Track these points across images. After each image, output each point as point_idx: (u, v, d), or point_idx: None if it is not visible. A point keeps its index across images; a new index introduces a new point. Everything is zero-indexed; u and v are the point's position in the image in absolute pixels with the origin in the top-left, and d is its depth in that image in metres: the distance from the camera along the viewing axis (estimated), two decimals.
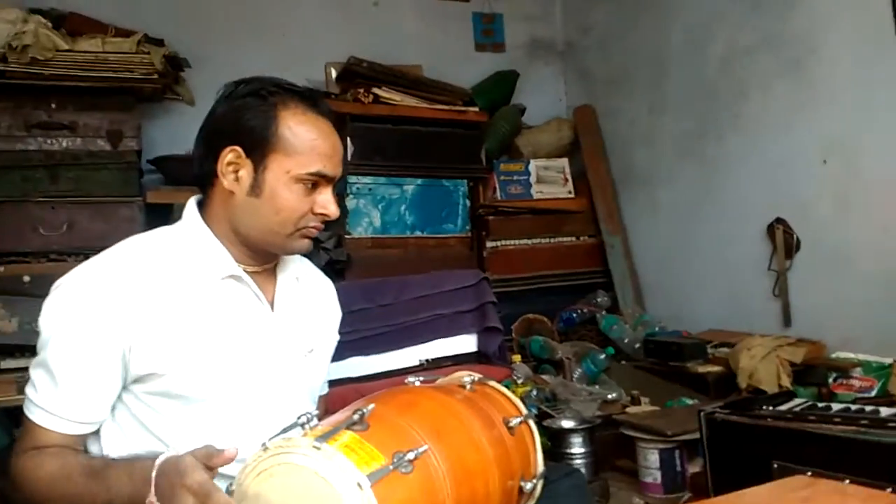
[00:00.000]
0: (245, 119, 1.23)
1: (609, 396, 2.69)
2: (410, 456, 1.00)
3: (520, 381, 2.66)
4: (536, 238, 3.70)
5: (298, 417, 1.02)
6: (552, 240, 3.74)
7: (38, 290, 2.59)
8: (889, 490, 1.27)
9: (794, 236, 3.03)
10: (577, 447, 2.23)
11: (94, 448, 1.22)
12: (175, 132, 3.27)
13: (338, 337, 1.50)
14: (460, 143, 3.59)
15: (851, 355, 2.69)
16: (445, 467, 1.07)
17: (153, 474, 1.03)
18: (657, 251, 3.74)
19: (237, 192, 1.25)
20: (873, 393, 2.56)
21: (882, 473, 1.34)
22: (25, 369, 2.44)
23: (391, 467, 0.97)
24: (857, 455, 1.39)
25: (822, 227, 2.94)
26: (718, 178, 3.38)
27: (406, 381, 1.33)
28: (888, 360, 2.61)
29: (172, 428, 1.19)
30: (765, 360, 2.70)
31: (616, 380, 3.02)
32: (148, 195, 2.94)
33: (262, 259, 1.32)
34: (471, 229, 3.59)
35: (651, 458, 2.20)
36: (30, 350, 2.51)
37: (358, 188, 3.33)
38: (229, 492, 0.98)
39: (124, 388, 1.20)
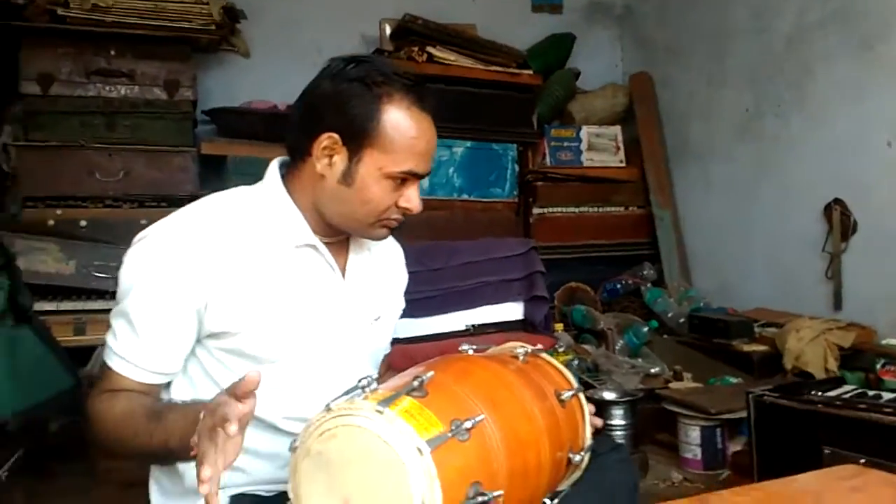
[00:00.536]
0: (349, 106, 1.21)
1: (652, 370, 2.68)
2: (468, 424, 1.01)
3: (561, 350, 2.65)
4: (584, 206, 3.67)
5: (360, 381, 1.03)
6: (600, 209, 3.71)
7: (95, 235, 2.69)
8: None
9: (852, 218, 2.95)
10: (617, 419, 2.23)
11: (164, 398, 1.25)
12: (230, 84, 3.30)
13: (403, 303, 1.52)
14: (512, 106, 3.56)
15: None
16: (500, 436, 1.07)
17: (201, 415, 1.06)
18: (707, 226, 3.68)
19: (328, 176, 1.24)
20: None
21: None
22: (83, 312, 2.55)
23: (449, 434, 0.98)
24: None
25: (881, 211, 2.86)
26: (777, 156, 3.30)
27: (460, 348, 1.33)
28: None
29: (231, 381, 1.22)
30: (812, 343, 2.66)
31: (658, 354, 3.01)
32: (202, 146, 2.98)
33: (338, 232, 1.34)
34: (518, 195, 3.57)
35: (692, 434, 2.20)
36: (86, 293, 2.59)
37: None
38: (292, 448, 1.00)
39: (198, 341, 1.23)
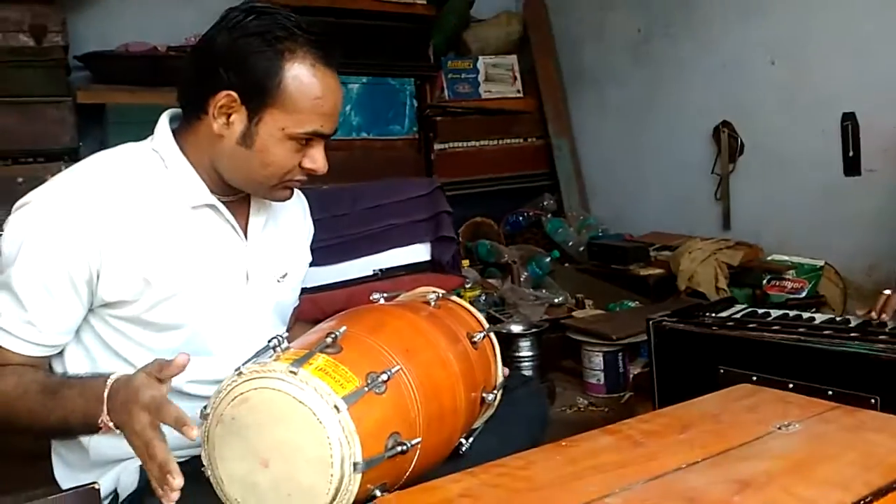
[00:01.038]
0: (248, 63, 1.13)
1: (555, 300, 2.76)
2: (384, 377, 1.01)
3: (468, 286, 2.71)
4: (484, 140, 3.67)
5: (269, 341, 1.02)
6: (500, 142, 3.72)
7: None
8: (830, 392, 1.38)
9: (739, 139, 3.08)
10: (525, 351, 2.30)
11: (58, 369, 1.19)
12: (104, 27, 3.08)
13: (310, 256, 1.48)
14: (407, 39, 3.48)
15: (786, 258, 2.81)
16: (415, 385, 1.08)
17: (105, 393, 1.02)
18: (603, 153, 3.77)
19: (226, 137, 1.17)
20: (803, 294, 2.71)
21: (820, 377, 1.42)
22: None
23: (366, 389, 0.98)
24: (797, 360, 1.47)
25: (766, 131, 3.00)
26: (668, 78, 3.38)
27: (371, 297, 1.33)
28: (820, 263, 2.74)
29: (140, 352, 1.17)
30: (704, 264, 2.80)
31: (560, 283, 3.10)
32: (78, 95, 2.79)
33: (238, 190, 1.28)
34: (418, 130, 3.53)
35: (595, 360, 2.29)
36: None
37: None
38: (203, 415, 0.98)
39: (92, 311, 1.17)
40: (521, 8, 4.08)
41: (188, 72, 1.20)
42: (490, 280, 3.00)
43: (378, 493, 0.97)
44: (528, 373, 2.21)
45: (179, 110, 1.25)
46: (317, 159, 1.21)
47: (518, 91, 3.81)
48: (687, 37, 3.28)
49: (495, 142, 3.71)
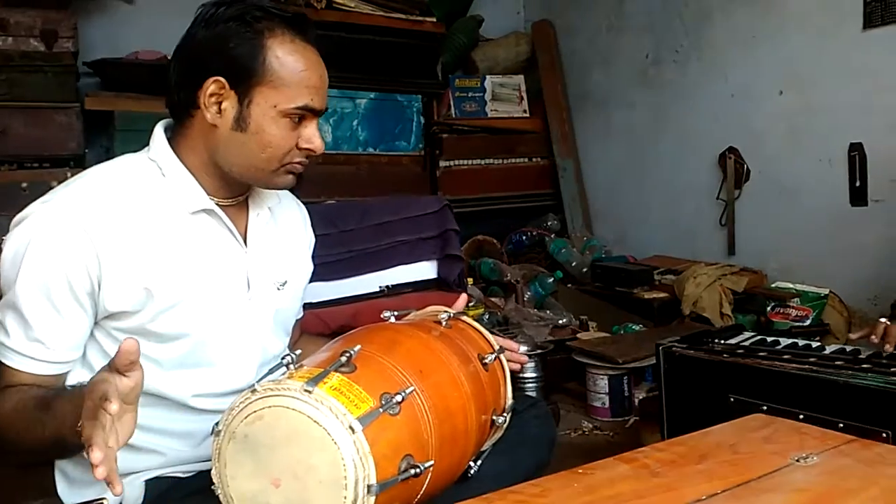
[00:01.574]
0: (229, 48, 1.14)
1: (560, 321, 2.75)
2: (398, 398, 1.00)
3: (472, 305, 2.69)
4: (489, 158, 3.67)
5: (283, 358, 1.00)
6: (505, 161, 3.72)
7: None
8: (841, 425, 1.36)
9: (745, 166, 3.09)
10: (529, 372, 2.28)
11: None
12: (114, 33, 3.08)
13: (311, 266, 1.46)
14: (416, 56, 3.49)
15: (790, 285, 2.81)
16: (429, 406, 1.07)
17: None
18: (608, 175, 3.77)
19: (220, 125, 1.17)
20: (808, 322, 2.70)
21: (832, 409, 1.41)
22: None
23: (381, 410, 0.97)
24: (809, 392, 1.46)
25: (772, 159, 3.00)
26: (675, 103, 3.39)
27: (382, 315, 1.31)
28: (825, 291, 2.73)
29: (145, 367, 1.15)
30: (709, 289, 2.79)
31: (563, 303, 3.08)
32: (86, 101, 2.78)
33: (236, 190, 1.26)
34: (423, 147, 3.53)
35: (601, 383, 2.27)
36: None
37: None
38: (215, 432, 0.96)
39: (96, 324, 1.15)
40: (529, 29, 4.10)
41: (173, 75, 1.21)
42: (492, 299, 2.99)
43: None
44: (532, 394, 2.19)
45: (172, 120, 1.25)
46: (313, 138, 1.20)
47: (524, 111, 3.81)
48: (695, 63, 3.30)
49: (500, 161, 3.71)
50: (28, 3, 2.58)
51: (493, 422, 1.30)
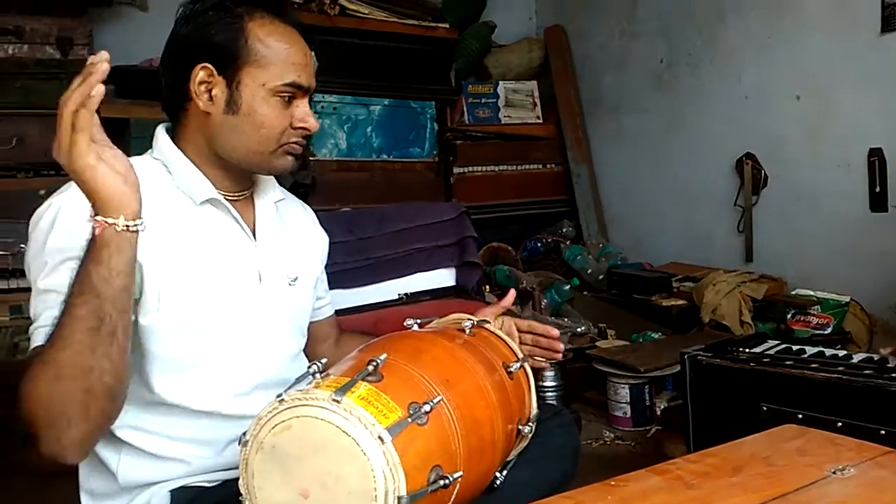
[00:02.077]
0: (212, 34, 1.17)
1: (579, 329, 2.72)
2: (426, 408, 0.98)
3: None
4: (503, 165, 3.65)
5: (309, 367, 0.99)
6: (519, 167, 3.71)
7: None
8: (882, 432, 1.33)
9: (763, 172, 3.06)
10: (549, 381, 2.26)
11: None
12: (129, 41, 3.08)
13: (322, 266, 1.46)
14: (429, 62, 3.49)
15: (810, 292, 2.77)
16: (456, 416, 1.05)
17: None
18: (622, 181, 3.75)
19: (213, 112, 1.19)
20: (829, 330, 2.66)
21: (871, 416, 1.38)
22: None
23: (409, 420, 0.95)
24: (847, 399, 1.43)
25: (791, 164, 2.98)
26: (690, 108, 3.36)
27: (405, 323, 1.29)
28: (846, 299, 2.70)
29: (163, 372, 1.15)
30: (728, 296, 2.76)
31: (579, 311, 3.06)
32: (101, 108, 2.77)
33: (240, 184, 1.27)
34: (437, 154, 3.52)
35: (622, 392, 2.25)
36: None
37: (323, 107, 3.21)
38: (243, 442, 0.94)
39: None
40: (542, 34, 4.09)
41: (164, 77, 1.23)
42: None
43: None
44: (552, 403, 2.16)
45: (171, 123, 1.27)
46: (306, 117, 1.22)
47: (538, 117, 3.80)
48: (710, 68, 3.27)
49: (514, 167, 3.70)
50: (43, 10, 2.58)
51: (518, 431, 1.28)
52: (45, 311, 1.06)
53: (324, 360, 1.01)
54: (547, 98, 3.85)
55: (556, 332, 1.44)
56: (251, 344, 1.23)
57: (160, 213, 1.15)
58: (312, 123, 1.23)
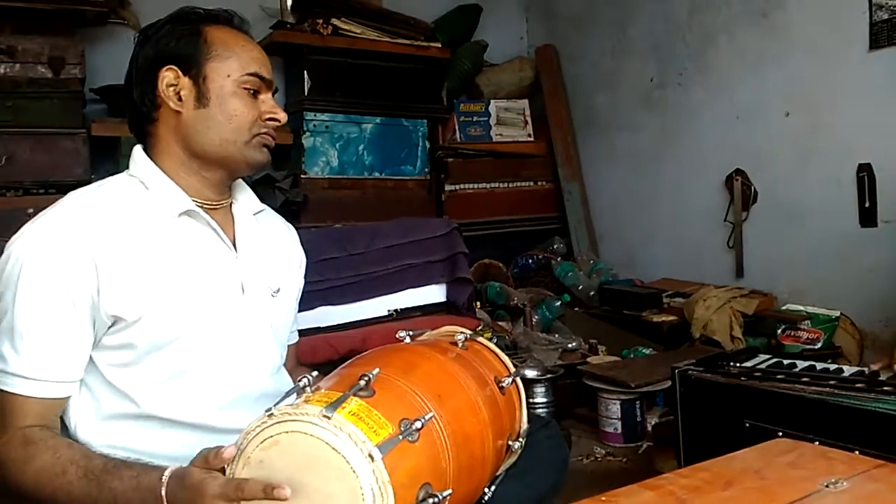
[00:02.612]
0: (172, 42, 1.22)
1: (569, 345, 2.72)
2: (417, 424, 0.97)
3: (479, 329, 2.66)
4: (494, 182, 3.67)
5: (298, 381, 0.98)
6: (510, 184, 3.72)
7: None
8: (856, 452, 1.32)
9: (752, 188, 3.07)
10: (540, 397, 2.25)
11: (66, 420, 1.16)
12: (120, 60, 3.04)
13: (303, 282, 1.47)
14: (422, 81, 3.51)
15: (801, 307, 2.78)
16: (447, 433, 1.04)
17: (163, 492, 0.97)
18: (613, 198, 3.76)
19: (184, 109, 1.22)
20: (819, 345, 2.67)
21: (849, 436, 1.38)
22: None
23: (400, 437, 0.94)
24: (826, 418, 1.43)
25: (780, 180, 2.99)
26: (680, 126, 3.39)
27: (397, 335, 1.29)
28: (836, 313, 2.71)
29: (144, 387, 1.15)
30: (719, 312, 2.77)
31: (570, 327, 3.05)
32: (92, 127, 2.78)
33: (218, 191, 1.28)
34: (429, 171, 3.53)
35: (612, 408, 2.24)
36: None
37: (315, 125, 3.22)
38: None
39: (95, 347, 1.14)
40: (533, 54, 4.12)
41: (133, 93, 1.25)
42: (500, 323, 2.96)
43: None
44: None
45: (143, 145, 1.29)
46: (274, 108, 1.28)
47: (529, 135, 3.82)
48: (701, 86, 3.30)
49: (505, 184, 3.71)
50: (36, 29, 2.59)
51: (508, 447, 1.27)
52: (11, 356, 1.09)
53: (314, 374, 1.01)
54: (538, 116, 3.87)
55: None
56: (235, 355, 1.24)
57: (138, 229, 1.17)
58: (281, 115, 1.28)
